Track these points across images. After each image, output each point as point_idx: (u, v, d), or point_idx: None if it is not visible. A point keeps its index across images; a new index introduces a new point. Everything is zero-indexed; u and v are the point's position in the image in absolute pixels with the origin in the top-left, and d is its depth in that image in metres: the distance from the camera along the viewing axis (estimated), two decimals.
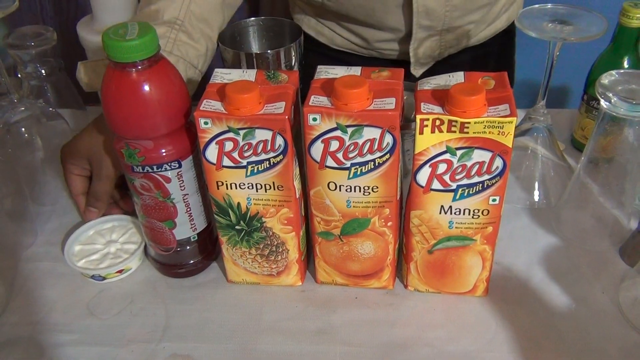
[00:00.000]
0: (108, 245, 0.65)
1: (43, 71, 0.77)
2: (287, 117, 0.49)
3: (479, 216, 0.52)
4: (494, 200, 0.51)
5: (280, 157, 0.51)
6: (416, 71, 0.89)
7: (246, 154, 0.51)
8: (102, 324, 0.59)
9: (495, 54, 0.94)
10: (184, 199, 0.57)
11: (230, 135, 0.50)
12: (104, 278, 0.63)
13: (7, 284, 0.62)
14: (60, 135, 0.73)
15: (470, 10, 0.83)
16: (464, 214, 0.52)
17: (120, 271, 0.63)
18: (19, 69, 0.77)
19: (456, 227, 0.53)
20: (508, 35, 0.95)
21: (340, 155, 0.50)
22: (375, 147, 0.49)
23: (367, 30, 0.87)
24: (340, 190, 0.53)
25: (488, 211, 0.52)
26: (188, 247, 0.61)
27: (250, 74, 0.53)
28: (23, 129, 0.70)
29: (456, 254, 0.56)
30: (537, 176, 0.71)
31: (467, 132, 0.47)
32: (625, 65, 0.71)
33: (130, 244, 0.65)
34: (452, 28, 0.84)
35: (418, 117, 0.48)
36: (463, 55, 0.90)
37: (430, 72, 0.89)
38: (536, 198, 0.71)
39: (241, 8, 0.76)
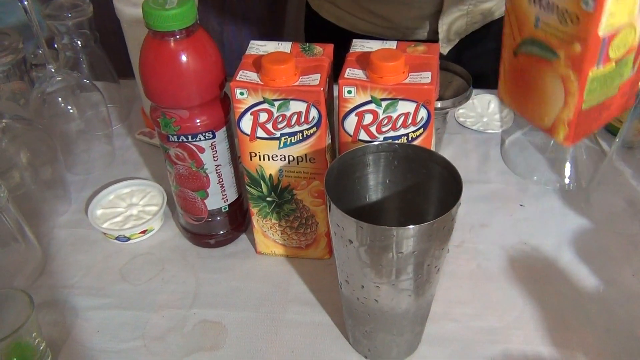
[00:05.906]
0: (130, 207, 0.68)
1: (79, 42, 0.78)
2: (322, 89, 0.49)
3: (567, 22, 0.43)
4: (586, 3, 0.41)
5: (314, 129, 0.52)
6: (444, 49, 0.88)
7: (280, 126, 0.52)
8: (135, 289, 0.60)
9: None
10: (216, 170, 0.58)
11: (265, 106, 0.51)
12: (128, 238, 0.65)
13: (44, 248, 0.64)
14: (94, 107, 0.74)
15: None
16: (552, 12, 0.44)
17: (144, 231, 0.65)
18: (56, 40, 0.78)
19: (542, 28, 0.46)
20: None
21: (373, 129, 0.51)
22: (410, 121, 0.50)
23: (392, 9, 0.85)
24: None
25: (578, 18, 0.42)
26: (219, 218, 0.62)
27: (285, 46, 0.54)
28: (59, 99, 0.71)
29: (537, 67, 0.48)
30: (569, 158, 0.70)
31: None
32: None
33: (152, 206, 0.68)
34: (479, 3, 0.83)
35: None
36: (485, 30, 0.88)
37: (456, 49, 0.89)
38: (567, 180, 0.70)
39: None
